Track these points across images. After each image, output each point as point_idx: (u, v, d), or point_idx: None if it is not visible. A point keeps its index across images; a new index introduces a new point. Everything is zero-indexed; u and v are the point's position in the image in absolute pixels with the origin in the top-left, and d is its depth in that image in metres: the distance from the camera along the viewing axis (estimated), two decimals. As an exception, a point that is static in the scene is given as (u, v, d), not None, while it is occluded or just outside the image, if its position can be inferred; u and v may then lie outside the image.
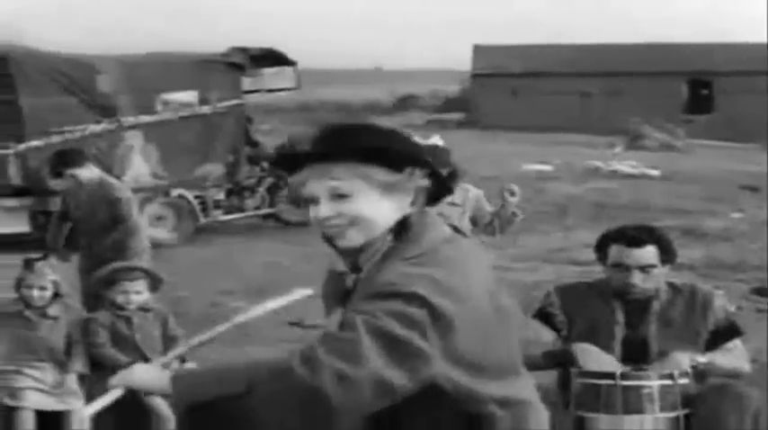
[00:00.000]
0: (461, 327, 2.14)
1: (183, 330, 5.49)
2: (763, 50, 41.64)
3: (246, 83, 15.08)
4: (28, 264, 5.50)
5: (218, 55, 14.55)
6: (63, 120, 12.55)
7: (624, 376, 3.76)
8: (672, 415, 3.73)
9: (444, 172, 5.36)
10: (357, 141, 2.29)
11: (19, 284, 5.43)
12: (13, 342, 5.35)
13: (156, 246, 8.81)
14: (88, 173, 7.09)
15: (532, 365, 3.96)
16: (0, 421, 5.20)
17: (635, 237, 4.10)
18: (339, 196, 2.28)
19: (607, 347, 4.02)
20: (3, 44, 13.58)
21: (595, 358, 3.95)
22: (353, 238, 2.29)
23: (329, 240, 2.34)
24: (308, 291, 2.59)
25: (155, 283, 5.55)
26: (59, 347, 5.37)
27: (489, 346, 2.22)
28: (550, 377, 4.21)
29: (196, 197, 13.80)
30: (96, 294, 5.81)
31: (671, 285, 4.17)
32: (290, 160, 2.37)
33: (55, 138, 12.24)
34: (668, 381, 3.75)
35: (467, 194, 6.15)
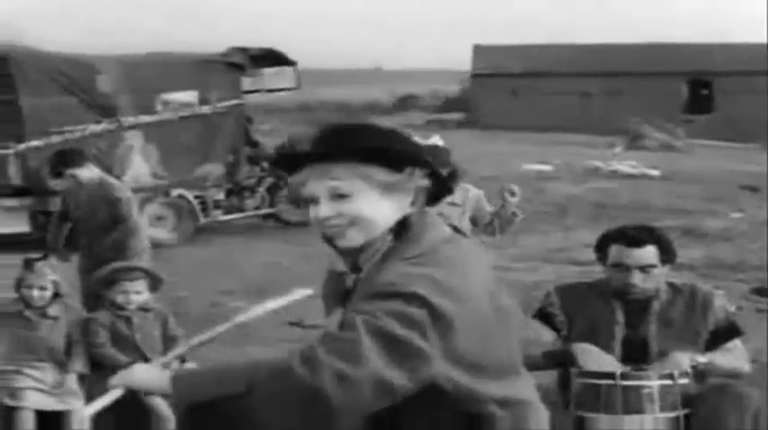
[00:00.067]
0: (461, 327, 2.14)
1: (183, 330, 5.49)
2: (764, 50, 41.62)
3: (246, 83, 15.08)
4: (28, 264, 5.50)
5: (218, 55, 14.55)
6: (63, 121, 12.55)
7: (624, 376, 3.76)
8: (672, 415, 3.73)
9: (444, 172, 5.37)
10: (357, 141, 2.28)
11: (19, 284, 5.43)
12: (13, 342, 5.35)
13: (156, 246, 8.82)
14: (88, 173, 7.09)
15: (532, 365, 3.95)
16: (0, 421, 5.20)
17: (635, 237, 4.09)
18: (339, 196, 2.28)
19: (607, 347, 4.02)
20: (3, 44, 13.57)
21: (595, 358, 3.95)
22: (353, 238, 2.29)
23: (329, 240, 2.34)
24: (308, 291, 2.59)
25: (155, 283, 5.55)
26: (59, 347, 5.37)
27: (489, 346, 2.22)
28: (550, 377, 4.21)
29: (196, 197, 13.80)
30: (96, 294, 5.81)
31: (671, 285, 4.17)
32: (290, 160, 2.37)
33: (55, 139, 12.24)
34: (668, 381, 3.75)
35: (467, 194, 6.15)
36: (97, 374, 5.20)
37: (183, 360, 4.58)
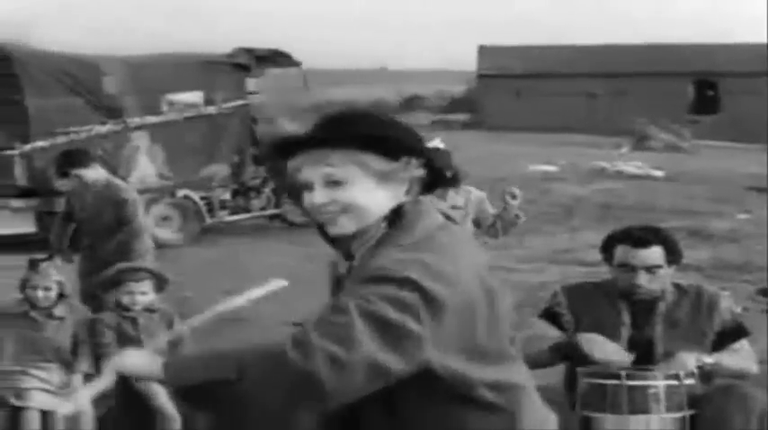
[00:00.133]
0: (453, 311, 2.15)
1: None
2: (769, 51, 41.59)
3: (251, 83, 15.10)
4: (33, 265, 5.50)
5: (224, 56, 14.57)
6: (69, 121, 12.58)
7: (630, 376, 3.76)
8: (678, 415, 3.73)
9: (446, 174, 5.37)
10: (355, 128, 2.29)
11: (24, 285, 5.44)
12: (19, 342, 5.35)
13: (162, 246, 8.83)
14: (93, 173, 7.08)
15: (540, 361, 3.97)
16: (6, 421, 5.21)
17: (641, 237, 4.09)
18: (334, 183, 2.28)
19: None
20: (8, 44, 13.58)
21: (601, 346, 3.94)
22: (345, 226, 2.30)
23: (321, 227, 2.35)
24: (283, 282, 2.59)
25: (160, 284, 5.55)
26: (65, 348, 5.37)
27: (480, 331, 2.22)
28: (556, 377, 4.21)
29: (202, 198, 13.82)
30: (94, 295, 5.82)
31: (677, 286, 4.17)
32: (288, 146, 2.37)
33: (60, 139, 12.27)
34: (674, 382, 3.75)
35: (469, 197, 6.16)
36: (103, 375, 5.19)
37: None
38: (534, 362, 3.90)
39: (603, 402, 3.75)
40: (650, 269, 4.05)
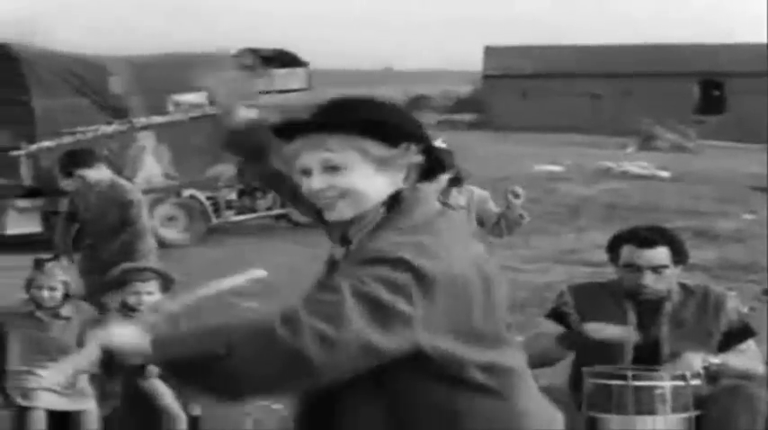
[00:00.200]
0: (445, 291, 2.15)
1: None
2: (775, 51, 41.51)
3: (258, 83, 15.11)
4: (38, 265, 5.50)
5: (229, 56, 14.58)
6: (75, 121, 12.60)
7: (636, 377, 3.75)
8: (684, 416, 3.72)
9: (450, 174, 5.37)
10: (355, 114, 2.29)
11: (29, 285, 5.44)
12: (25, 342, 5.36)
13: (168, 246, 8.83)
14: (97, 174, 7.07)
15: (547, 356, 3.97)
16: (13, 421, 5.21)
17: (647, 237, 4.09)
18: (332, 168, 2.28)
19: (619, 348, 4.02)
20: (15, 44, 13.60)
21: (606, 328, 3.95)
22: (343, 211, 2.29)
23: (318, 213, 2.35)
24: (262, 272, 2.59)
25: (166, 284, 5.54)
26: (71, 348, 5.37)
27: (476, 315, 2.22)
28: (562, 377, 4.21)
29: (208, 198, 13.83)
30: (93, 295, 5.82)
31: (683, 286, 4.16)
32: (288, 130, 2.37)
33: (66, 139, 12.28)
34: (680, 382, 3.74)
35: (471, 196, 6.15)
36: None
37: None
38: (542, 358, 3.90)
39: (609, 403, 3.75)
40: (656, 269, 4.05)
